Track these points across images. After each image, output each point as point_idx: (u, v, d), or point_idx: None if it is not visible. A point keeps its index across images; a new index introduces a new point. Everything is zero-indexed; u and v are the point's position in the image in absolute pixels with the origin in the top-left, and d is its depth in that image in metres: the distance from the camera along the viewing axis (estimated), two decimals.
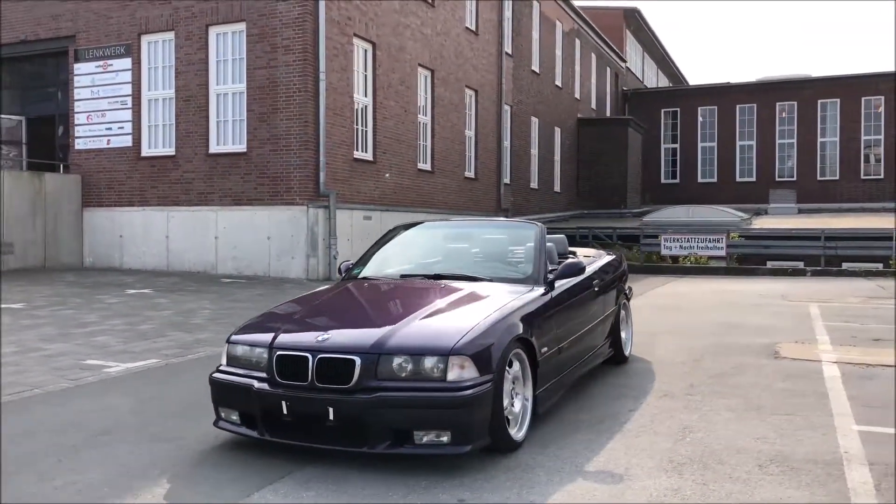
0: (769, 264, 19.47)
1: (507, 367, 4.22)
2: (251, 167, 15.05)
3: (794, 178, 35.03)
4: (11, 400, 5.49)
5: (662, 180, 37.57)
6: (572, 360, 5.32)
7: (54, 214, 15.83)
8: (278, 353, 4.10)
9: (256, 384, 4.11)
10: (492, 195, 23.45)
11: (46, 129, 17.43)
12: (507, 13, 24.20)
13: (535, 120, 27.34)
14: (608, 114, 36.61)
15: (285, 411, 4.01)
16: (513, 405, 4.34)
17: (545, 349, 4.69)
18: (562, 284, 5.30)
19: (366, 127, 16.70)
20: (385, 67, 17.17)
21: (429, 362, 3.91)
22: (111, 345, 7.76)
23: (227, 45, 15.31)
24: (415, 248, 5.85)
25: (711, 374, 6.30)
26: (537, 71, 27.24)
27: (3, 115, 17.20)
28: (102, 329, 8.70)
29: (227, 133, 15.40)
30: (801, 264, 19.05)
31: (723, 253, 18.46)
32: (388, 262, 5.66)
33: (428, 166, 19.47)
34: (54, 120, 17.24)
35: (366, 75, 16.67)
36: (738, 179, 36.25)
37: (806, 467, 3.98)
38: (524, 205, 26.32)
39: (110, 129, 16.17)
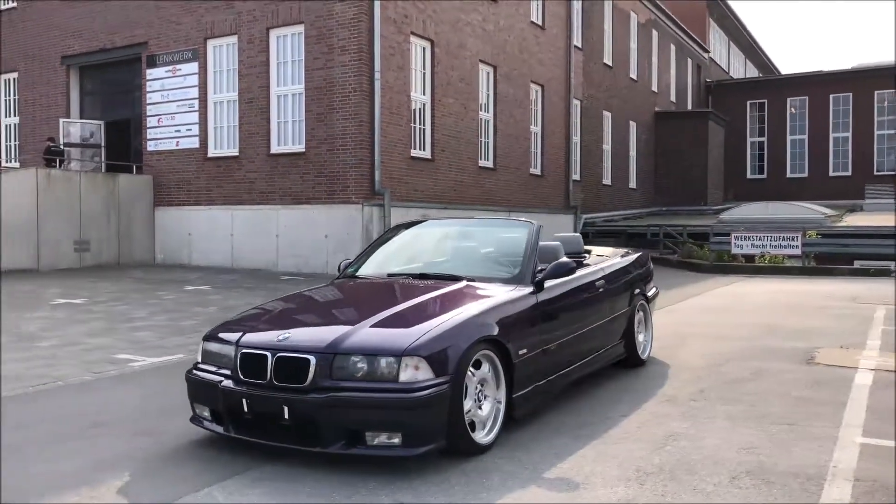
0: (857, 264, 18.39)
1: (470, 369, 4.13)
2: (309, 167, 15.33)
3: (895, 172, 33.06)
4: (27, 392, 5.75)
5: (748, 175, 36.18)
6: (566, 362, 5.17)
7: (128, 213, 16.56)
8: (242, 351, 4.14)
9: (223, 382, 4.16)
10: (559, 192, 23.12)
11: (123, 133, 18.27)
12: (577, 6, 23.79)
13: (607, 114, 26.78)
14: (689, 107, 35.50)
15: (246, 409, 4.05)
16: (480, 408, 4.24)
17: (524, 351, 4.56)
18: (554, 285, 5.15)
19: (423, 125, 16.75)
20: (444, 65, 17.17)
21: (382, 363, 3.87)
22: (148, 340, 8.05)
23: (287, 47, 15.64)
24: (410, 246, 5.82)
25: (728, 379, 5.99)
26: (610, 64, 26.68)
27: (85, 121, 18.11)
28: (147, 325, 9.03)
29: (287, 133, 15.74)
30: (892, 264, 17.89)
31: (798, 252, 17.58)
32: (382, 261, 5.64)
33: (490, 163, 19.36)
34: (130, 124, 18.03)
35: (424, 73, 16.71)
36: (831, 174, 34.54)
37: (782, 481, 3.73)
38: (595, 202, 25.85)
39: (179, 130, 16.80)
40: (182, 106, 16.73)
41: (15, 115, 19.33)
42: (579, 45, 24.02)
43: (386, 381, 3.85)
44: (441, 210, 16.99)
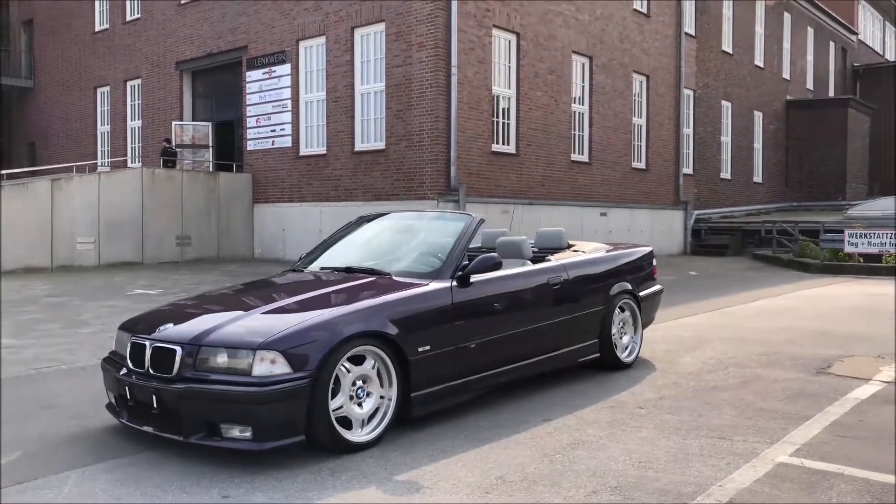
0: None
1: (345, 365, 4.04)
2: (389, 163, 15.56)
3: None
4: (30, 374, 6.18)
5: None
6: (496, 361, 4.94)
7: (227, 210, 17.52)
8: (131, 340, 4.27)
9: (120, 370, 4.31)
10: (667, 187, 22.10)
11: (229, 133, 19.33)
12: None
13: (726, 104, 25.29)
14: (832, 94, 32.82)
15: (129, 397, 4.17)
16: (360, 405, 4.14)
17: (425, 349, 4.41)
18: (486, 280, 4.94)
19: (507, 119, 16.54)
20: (531, 57, 16.87)
21: (239, 356, 3.87)
22: None
23: (370, 46, 15.94)
24: (359, 239, 5.75)
25: (705, 387, 5.50)
26: (729, 51, 25.16)
27: (195, 123, 19.33)
28: None
29: (370, 131, 16.05)
30: None
31: None
32: (328, 254, 5.62)
33: (584, 157, 18.82)
34: (234, 124, 19.05)
35: (508, 66, 16.49)
36: None
37: (645, 498, 3.38)
38: (711, 196, 24.50)
39: (274, 130, 17.55)
40: (277, 106, 17.47)
41: (138, 119, 20.94)
42: (692, 33, 22.83)
43: (241, 374, 3.85)
44: (526, 206, 16.74)
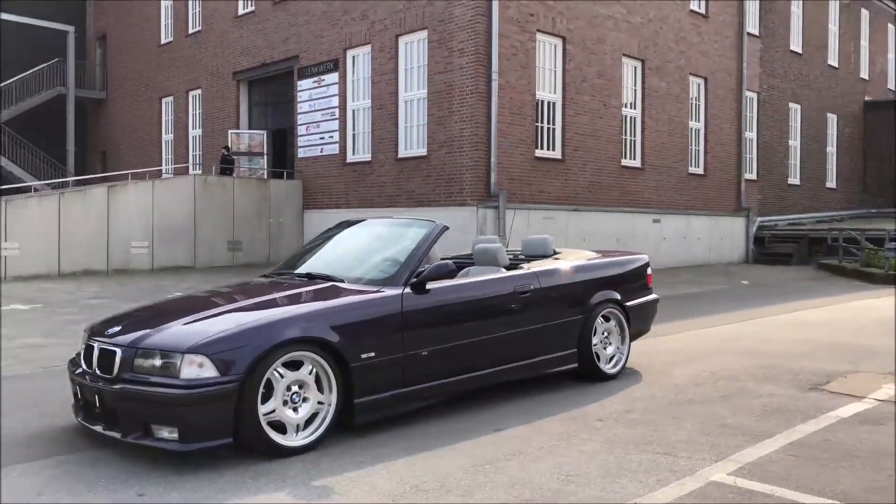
0: None
1: (279, 370, 4.08)
2: (431, 169, 15.61)
3: None
4: (41, 371, 6.46)
5: None
6: (456, 369, 4.89)
7: (278, 216, 17.93)
8: (86, 342, 4.41)
9: (76, 370, 4.46)
10: (728, 193, 21.38)
11: (282, 141, 19.79)
12: None
13: (794, 107, 24.30)
14: None
15: (78, 396, 4.31)
16: (295, 410, 4.17)
17: (369, 355, 4.40)
18: (446, 287, 4.91)
19: (552, 124, 16.36)
20: (578, 61, 16.64)
21: (169, 359, 3.96)
22: None
23: (413, 53, 16.05)
24: (333, 245, 5.77)
25: (680, 400, 5.29)
26: (798, 51, 24.18)
27: (251, 131, 19.87)
28: None
29: (412, 138, 16.15)
30: None
31: None
32: (300, 260, 5.67)
33: (636, 162, 18.42)
34: (286, 132, 19.49)
35: (553, 71, 16.32)
36: None
37: None
38: (777, 203, 23.57)
39: (323, 138, 17.87)
40: (325, 114, 17.78)
41: (199, 128, 21.67)
42: (755, 33, 22.06)
43: (171, 377, 3.93)
44: (572, 213, 16.53)
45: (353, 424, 4.40)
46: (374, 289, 4.72)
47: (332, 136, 17.68)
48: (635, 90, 18.39)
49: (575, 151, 16.75)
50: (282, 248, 18.09)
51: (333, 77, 17.57)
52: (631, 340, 6.38)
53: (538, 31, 15.82)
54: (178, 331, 4.17)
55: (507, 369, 5.25)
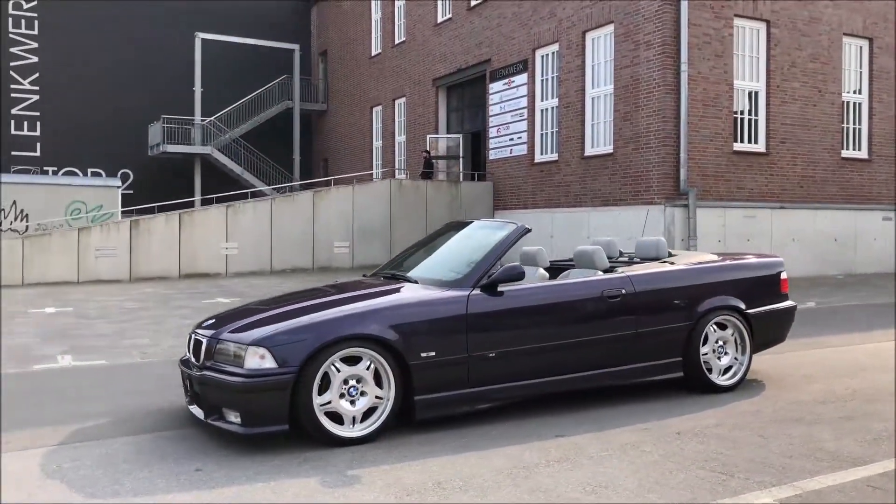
0: None
1: (336, 365, 4.24)
2: (616, 167, 15.17)
3: None
4: (134, 362, 7.20)
5: None
6: (528, 373, 4.76)
7: (468, 216, 18.37)
8: (191, 332, 4.89)
9: (184, 357, 4.96)
10: None
11: (477, 144, 20.25)
12: None
13: None
14: None
15: (183, 381, 4.80)
16: (353, 403, 4.31)
17: (430, 354, 4.43)
18: (522, 289, 4.82)
19: (755, 115, 15.16)
20: (785, 45, 15.28)
21: (237, 351, 4.26)
22: None
23: (600, 49, 15.70)
24: (430, 246, 5.80)
25: (785, 418, 4.68)
26: None
27: (448, 135, 20.56)
28: None
29: (599, 135, 15.79)
30: None
31: None
32: (400, 259, 5.79)
33: (861, 153, 16.51)
34: (480, 135, 19.91)
35: (754, 58, 15.12)
36: None
37: None
38: None
39: (512, 139, 18.03)
40: (515, 115, 17.92)
41: (403, 134, 22.80)
42: None
43: (237, 366, 4.24)
44: (776, 210, 15.23)
45: (414, 420, 4.46)
46: (442, 290, 4.74)
47: (520, 137, 17.78)
48: (860, 73, 16.47)
49: (782, 143, 15.38)
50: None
51: (523, 78, 17.65)
52: (761, 350, 5.78)
53: (736, 15, 14.73)
54: (251, 325, 4.49)
55: (591, 376, 4.99)
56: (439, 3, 20.80)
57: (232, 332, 4.45)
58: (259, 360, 4.18)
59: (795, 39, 15.42)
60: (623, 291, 5.10)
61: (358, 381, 4.34)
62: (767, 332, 5.73)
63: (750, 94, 15.13)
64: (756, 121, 15.20)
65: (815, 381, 5.74)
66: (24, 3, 25.11)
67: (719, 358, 5.46)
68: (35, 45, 25.17)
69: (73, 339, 8.37)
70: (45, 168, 25.20)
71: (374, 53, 24.31)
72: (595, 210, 15.71)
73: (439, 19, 20.79)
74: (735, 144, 14.87)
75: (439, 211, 18.12)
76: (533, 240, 16.29)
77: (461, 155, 20.19)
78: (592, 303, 5.02)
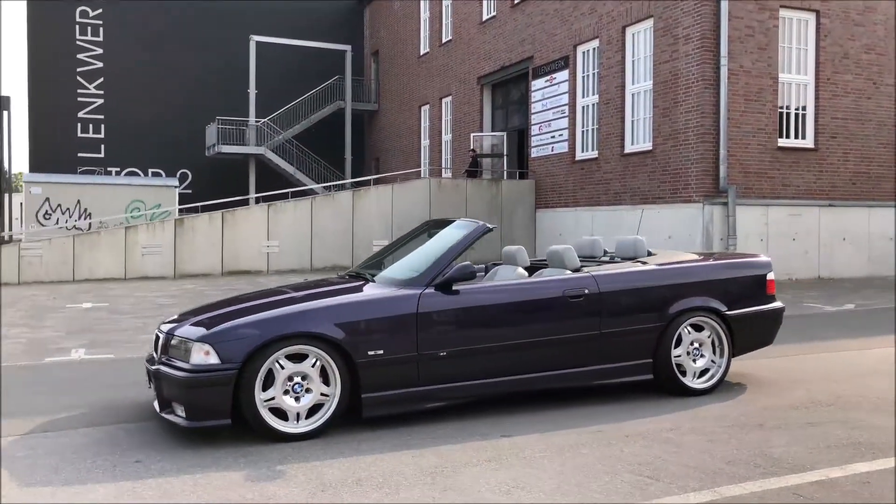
0: None
1: (280, 362, 4.30)
2: (655, 165, 14.85)
3: None
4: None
5: None
6: (483, 372, 4.72)
7: (509, 215, 18.29)
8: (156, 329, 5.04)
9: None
10: None
11: (520, 142, 20.12)
12: None
13: None
14: None
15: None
16: (297, 400, 4.36)
17: (377, 353, 4.45)
18: (479, 288, 4.79)
19: (802, 109, 14.61)
20: (836, 35, 14.67)
21: (185, 346, 4.37)
22: None
23: (639, 44, 15.39)
24: (404, 245, 5.80)
25: (747, 423, 4.49)
26: None
27: (492, 133, 20.50)
28: None
29: (638, 132, 15.49)
30: None
31: None
32: (374, 259, 5.81)
33: None
34: (523, 133, 19.77)
35: (803, 50, 14.56)
36: None
37: None
38: None
39: (553, 137, 17.84)
40: (556, 113, 17.73)
41: (449, 132, 22.83)
42: None
43: (184, 361, 4.35)
44: (825, 208, 14.65)
45: (361, 418, 4.48)
46: (396, 289, 4.75)
47: (561, 135, 17.58)
48: None
49: (832, 139, 14.76)
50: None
51: (564, 75, 17.45)
52: (745, 353, 5.58)
53: (782, 6, 14.21)
54: (201, 322, 4.59)
55: (551, 376, 4.91)
56: (484, 1, 20.75)
57: (184, 328, 4.56)
58: (204, 355, 4.27)
59: (848, 30, 14.78)
60: (586, 291, 5.00)
61: (303, 379, 4.38)
62: (751, 334, 5.51)
63: (797, 87, 14.58)
64: (803, 115, 14.63)
65: (802, 385, 5.50)
66: (90, 10, 26.21)
67: (694, 360, 5.29)
68: (100, 50, 26.25)
69: (95, 334, 8.71)
70: (108, 169, 26.25)
71: (422, 53, 24.43)
72: (634, 208, 15.41)
73: (484, 17, 20.74)
74: (780, 140, 14.35)
75: (479, 210, 18.07)
76: (575, 239, 16.11)
77: (505, 153, 20.10)
78: (552, 302, 4.94)
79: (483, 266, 6.19)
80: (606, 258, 6.05)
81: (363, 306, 4.60)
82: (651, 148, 14.94)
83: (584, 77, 16.96)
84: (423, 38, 24.43)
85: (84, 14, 26.17)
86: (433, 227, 5.99)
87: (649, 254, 5.84)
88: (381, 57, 27.80)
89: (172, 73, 26.67)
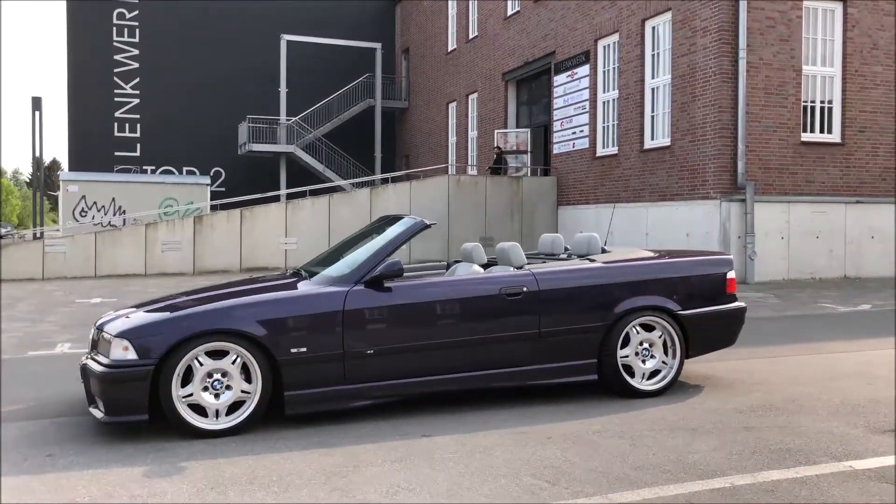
0: None
1: (200, 359, 4.27)
2: (674, 161, 14.51)
3: None
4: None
5: None
6: (413, 371, 4.62)
7: (531, 212, 18.09)
8: None
9: None
10: None
11: (543, 138, 19.88)
12: None
13: None
14: None
15: None
16: (217, 396, 4.33)
17: (300, 350, 4.39)
18: (412, 286, 4.70)
19: (828, 103, 14.10)
20: (865, 25, 14.12)
21: (108, 342, 4.38)
22: None
23: (659, 37, 15.07)
24: (352, 241, 5.70)
25: (680, 426, 4.28)
26: None
27: (515, 129, 20.29)
28: None
29: (658, 127, 15.16)
30: None
31: None
32: (324, 255, 5.73)
33: None
34: (545, 129, 19.53)
35: (828, 41, 14.06)
36: None
37: None
38: None
39: (574, 132, 17.58)
40: (577, 108, 17.47)
41: (475, 129, 22.69)
42: None
43: (105, 356, 4.36)
44: (852, 205, 14.15)
45: (284, 416, 4.44)
46: (325, 286, 4.69)
47: (582, 131, 17.32)
48: None
49: (861, 133, 14.22)
50: (534, 245, 18.17)
51: (585, 70, 17.17)
52: (703, 353, 5.37)
53: None
54: (127, 317, 4.59)
55: (487, 375, 4.77)
56: None
57: (111, 323, 4.57)
58: (122, 351, 4.27)
59: (877, 20, 14.21)
60: (524, 289, 4.85)
61: (223, 376, 4.35)
62: (708, 335, 5.29)
63: (822, 79, 14.08)
64: (829, 109, 14.12)
65: (762, 388, 5.26)
66: (126, 12, 26.82)
67: (644, 361, 5.09)
68: (136, 51, 26.82)
69: (90, 328, 8.85)
70: (143, 167, 26.82)
71: (450, 49, 24.35)
72: (653, 205, 15.10)
73: (509, 12, 20.55)
74: (803, 135, 13.88)
75: (499, 207, 17.93)
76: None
77: (529, 150, 19.88)
78: (488, 300, 4.81)
79: (445, 263, 6.10)
80: (564, 255, 5.88)
81: (288, 303, 4.56)
82: (669, 144, 14.60)
83: (604, 72, 16.67)
84: (451, 35, 24.35)
85: (121, 16, 26.78)
86: (387, 223, 5.90)
87: (604, 251, 5.66)
88: (411, 54, 27.80)
89: (205, 72, 27.10)
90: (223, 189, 26.49)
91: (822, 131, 14.09)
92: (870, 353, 6.59)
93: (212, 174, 27.05)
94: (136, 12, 26.87)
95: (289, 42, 25.83)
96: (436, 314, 4.74)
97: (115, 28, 26.67)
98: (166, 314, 4.47)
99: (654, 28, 15.18)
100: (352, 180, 23.84)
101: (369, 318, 4.59)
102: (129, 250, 15.74)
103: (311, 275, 5.10)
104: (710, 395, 5.12)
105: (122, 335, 4.31)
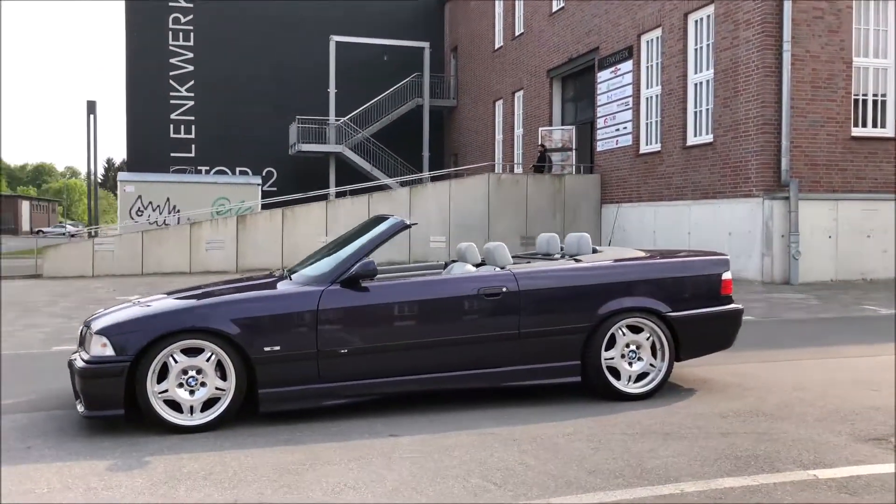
0: None
1: (175, 356, 4.35)
2: (716, 158, 14.13)
3: None
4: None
5: None
6: (388, 370, 4.61)
7: (573, 210, 17.87)
8: None
9: None
10: None
11: (587, 135, 19.61)
12: None
13: None
14: None
15: None
16: (192, 393, 4.40)
17: (273, 349, 4.43)
18: (388, 286, 4.70)
19: (881, 96, 13.52)
20: None
21: (89, 338, 4.50)
22: None
23: (702, 31, 14.69)
24: (341, 240, 5.70)
25: (656, 431, 4.15)
26: None
27: (561, 127, 20.07)
28: None
29: (701, 123, 14.79)
30: None
31: None
32: (314, 255, 5.74)
33: None
34: (590, 126, 19.26)
35: (881, 31, 13.48)
36: None
37: None
38: None
39: (618, 129, 17.28)
40: (621, 105, 17.17)
41: (521, 127, 22.53)
42: None
43: (86, 352, 4.49)
44: None
45: (258, 413, 4.48)
46: (302, 285, 4.73)
47: (625, 127, 17.01)
48: None
49: None
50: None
51: (628, 65, 16.87)
52: (697, 356, 5.21)
53: None
54: (112, 315, 4.71)
55: (464, 376, 4.72)
56: None
57: (97, 320, 4.70)
58: (101, 347, 4.38)
59: None
60: (504, 289, 4.78)
61: (199, 373, 4.42)
62: (700, 337, 5.12)
63: (874, 72, 13.49)
64: (883, 102, 13.53)
65: (756, 393, 5.06)
66: (181, 16, 27.57)
67: (630, 364, 4.95)
68: (191, 55, 27.55)
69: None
70: (198, 168, 27.53)
71: (496, 47, 24.24)
72: (695, 203, 14.73)
73: (553, 8, 20.34)
74: (854, 129, 13.33)
75: (541, 205, 17.77)
76: (635, 238, 15.57)
77: (573, 147, 19.64)
78: (466, 300, 4.76)
79: (443, 263, 6.07)
80: (558, 255, 5.78)
81: (263, 302, 4.61)
82: (712, 140, 14.23)
83: (647, 67, 16.34)
84: (497, 33, 24.24)
85: (176, 20, 27.55)
86: (376, 222, 5.89)
87: (595, 251, 5.54)
88: (459, 53, 27.80)
89: (257, 74, 27.64)
90: (275, 189, 26.97)
91: (874, 125, 13.51)
92: (885, 359, 6.27)
93: (263, 174, 27.60)
94: (191, 16, 27.60)
95: (337, 43, 26.13)
96: (411, 314, 4.72)
97: (170, 32, 27.45)
98: (145, 311, 4.57)
99: (696, 22, 14.80)
100: (396, 179, 23.96)
101: (344, 317, 4.60)
102: (174, 249, 16.18)
103: (288, 274, 5.16)
104: (699, 399, 4.96)
105: (102, 332, 4.42)
